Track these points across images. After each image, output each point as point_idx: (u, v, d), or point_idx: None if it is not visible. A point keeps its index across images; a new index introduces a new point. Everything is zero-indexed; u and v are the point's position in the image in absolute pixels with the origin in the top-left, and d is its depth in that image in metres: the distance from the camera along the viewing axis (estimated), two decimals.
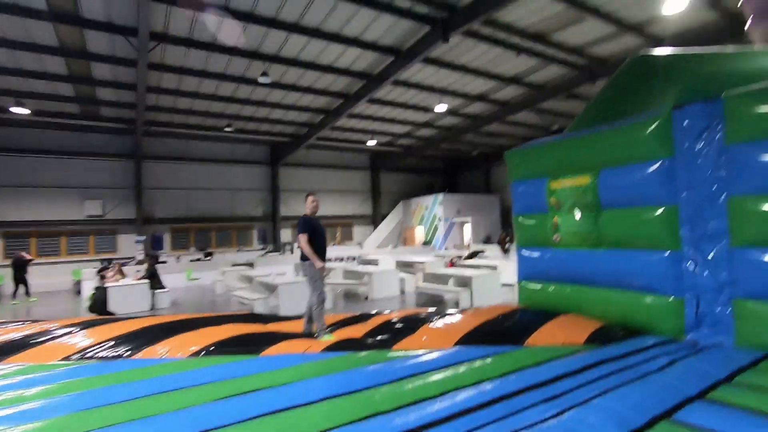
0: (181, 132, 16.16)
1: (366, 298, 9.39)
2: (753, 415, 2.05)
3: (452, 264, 11.67)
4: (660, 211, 3.59)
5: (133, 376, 3.20)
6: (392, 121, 15.86)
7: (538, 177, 4.66)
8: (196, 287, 12.99)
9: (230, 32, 8.96)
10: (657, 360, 2.89)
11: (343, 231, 21.59)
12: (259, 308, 7.85)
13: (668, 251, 3.56)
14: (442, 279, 9.01)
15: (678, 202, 3.50)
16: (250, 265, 14.00)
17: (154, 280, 9.66)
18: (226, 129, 15.62)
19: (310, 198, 4.82)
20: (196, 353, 3.58)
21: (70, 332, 4.18)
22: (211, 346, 3.68)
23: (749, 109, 3.08)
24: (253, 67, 10.70)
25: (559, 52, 10.41)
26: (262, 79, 10.47)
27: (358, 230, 21.89)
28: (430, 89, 12.72)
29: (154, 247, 16.54)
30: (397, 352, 3.52)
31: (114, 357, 3.64)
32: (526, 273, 4.94)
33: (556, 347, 3.33)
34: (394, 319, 4.50)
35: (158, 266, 11.03)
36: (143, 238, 15.40)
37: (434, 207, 20.52)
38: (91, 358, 3.66)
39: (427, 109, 14.44)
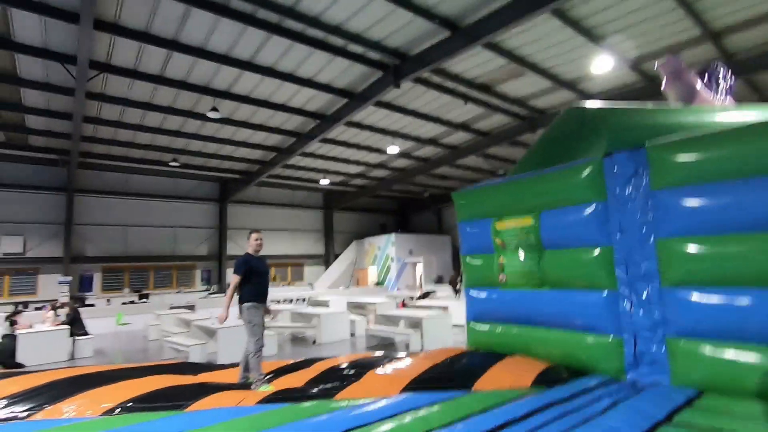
0: (120, 165, 15.31)
1: (314, 342, 8.97)
2: None
3: (404, 305, 11.52)
4: (596, 251, 3.73)
5: None
6: (346, 161, 16.01)
7: (484, 217, 4.76)
8: (127, 333, 11.85)
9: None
10: (600, 402, 2.88)
11: (294, 271, 20.94)
12: (196, 356, 7.22)
13: (606, 291, 3.67)
14: (393, 321, 8.82)
15: (612, 244, 3.66)
16: (191, 307, 13.07)
17: (75, 325, 8.70)
18: (172, 163, 15.01)
19: (254, 235, 4.60)
20: (110, 411, 3.14)
21: None
22: (128, 401, 3.25)
23: (670, 157, 3.34)
24: (202, 102, 10.49)
25: (503, 102, 11.13)
26: (211, 114, 10.27)
27: (309, 270, 21.33)
28: (383, 131, 13.05)
29: (81, 288, 15.09)
30: (341, 401, 3.28)
31: (6, 419, 3.10)
32: (474, 314, 4.91)
33: (503, 391, 3.25)
34: (340, 365, 4.25)
35: (82, 310, 9.98)
36: (69, 278, 14.02)
37: (387, 247, 20.54)
38: None
39: (380, 151, 14.74)
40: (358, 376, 3.80)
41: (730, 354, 2.96)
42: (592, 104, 4.45)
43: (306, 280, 20.85)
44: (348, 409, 3.01)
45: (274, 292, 17.37)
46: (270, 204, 20.04)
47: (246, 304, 4.26)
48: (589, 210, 3.77)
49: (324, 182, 18.65)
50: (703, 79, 5.11)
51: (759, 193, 2.87)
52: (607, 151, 3.76)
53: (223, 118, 11.25)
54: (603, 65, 9.07)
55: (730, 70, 5.28)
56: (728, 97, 5.08)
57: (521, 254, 4.30)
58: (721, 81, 5.18)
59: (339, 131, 12.75)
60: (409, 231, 23.30)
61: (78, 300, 12.10)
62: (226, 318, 4.38)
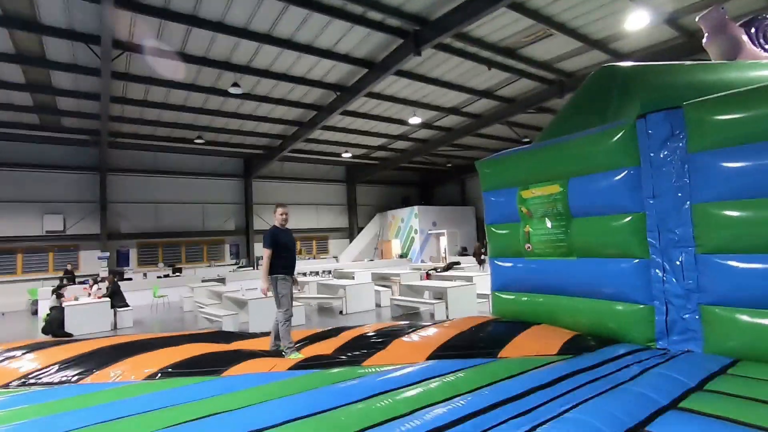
0: (148, 144, 15.68)
1: (341, 312, 9.19)
2: (723, 423, 2.02)
3: (428, 276, 11.60)
4: (628, 219, 3.61)
5: (80, 402, 2.93)
6: (367, 133, 15.87)
7: (509, 186, 4.66)
8: (163, 305, 12.45)
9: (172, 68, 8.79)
10: (629, 369, 2.85)
11: (319, 244, 21.30)
12: (228, 325, 7.54)
13: (637, 259, 3.57)
14: (418, 291, 8.92)
15: (645, 210, 3.53)
16: (221, 280, 13.57)
17: (116, 298, 9.19)
18: (197, 141, 15.26)
19: (279, 209, 4.69)
20: (152, 376, 3.33)
21: (11, 356, 3.84)
22: (168, 367, 3.44)
23: (710, 117, 3.15)
24: (223, 77, 10.51)
25: (528, 66, 10.67)
26: (233, 90, 10.29)
27: (333, 243, 21.65)
28: (404, 102, 12.80)
29: (119, 263, 15.84)
30: (368, 368, 3.37)
31: (60, 382, 3.35)
32: (499, 283, 4.89)
33: (530, 359, 3.26)
34: (367, 334, 4.36)
35: (122, 283, 10.52)
36: (107, 254, 14.73)
37: (410, 219, 20.54)
38: (34, 384, 3.35)
39: (402, 122, 14.52)
40: (384, 344, 3.88)
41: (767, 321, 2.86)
42: (625, 64, 4.21)
43: (331, 253, 21.22)
44: (375, 375, 3.10)
45: (301, 265, 17.83)
46: (293, 179, 20.23)
47: (275, 276, 4.37)
48: (620, 175, 3.63)
49: (346, 155, 18.62)
50: (749, 32, 4.74)
51: None
52: (641, 113, 3.57)
53: (244, 94, 11.27)
54: (637, 21, 8.52)
55: None
56: None
57: (548, 223, 4.22)
58: None
59: (359, 103, 12.59)
60: (433, 203, 23.18)
61: (117, 274, 12.73)
62: (268, 289, 4.47)
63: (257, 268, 16.95)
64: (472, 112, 14.16)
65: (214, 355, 3.75)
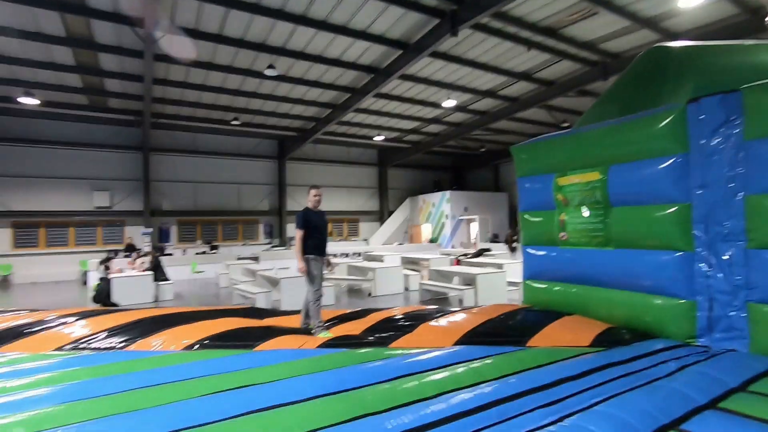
0: (188, 125, 16.19)
1: (369, 294, 9.30)
2: (765, 427, 1.92)
3: (458, 262, 11.53)
4: (672, 209, 3.43)
5: (124, 368, 3.14)
6: (400, 116, 15.71)
7: (545, 173, 4.52)
8: (201, 280, 13.01)
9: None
10: (665, 365, 2.75)
11: (350, 227, 21.52)
12: (261, 302, 7.80)
13: (680, 252, 3.40)
14: (447, 277, 8.88)
15: (692, 201, 3.34)
16: (255, 259, 14.00)
17: (158, 272, 9.67)
18: (233, 122, 15.61)
19: (313, 191, 4.68)
20: (190, 346, 3.51)
21: (65, 322, 4.14)
22: (205, 339, 3.61)
23: None
24: (259, 59, 10.63)
25: (570, 47, 10.17)
26: (268, 72, 10.41)
27: (364, 226, 21.81)
28: (438, 84, 12.55)
29: (161, 239, 16.63)
30: (395, 350, 3.41)
31: (107, 348, 3.59)
32: (531, 272, 4.80)
33: (559, 349, 3.20)
34: (395, 316, 4.40)
35: (163, 258, 11.05)
36: (150, 230, 15.47)
37: (441, 204, 20.35)
38: (84, 348, 3.61)
39: (435, 105, 14.27)
40: (412, 327, 3.91)
41: None
42: (677, 44, 3.94)
43: (361, 236, 21.42)
44: (402, 357, 3.13)
45: (331, 246, 18.12)
46: (326, 161, 20.41)
47: (306, 256, 4.47)
48: (666, 163, 3.44)
49: (378, 138, 18.56)
50: None
51: None
52: (693, 97, 3.35)
53: (280, 76, 11.37)
54: None
55: None
56: None
57: (585, 211, 4.07)
58: None
59: (393, 85, 12.44)
60: (465, 188, 22.83)
61: (159, 249, 13.38)
62: (305, 268, 4.45)
63: (289, 248, 17.38)
64: (509, 95, 13.71)
65: (247, 330, 3.90)
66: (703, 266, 3.28)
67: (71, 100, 13.28)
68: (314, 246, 4.50)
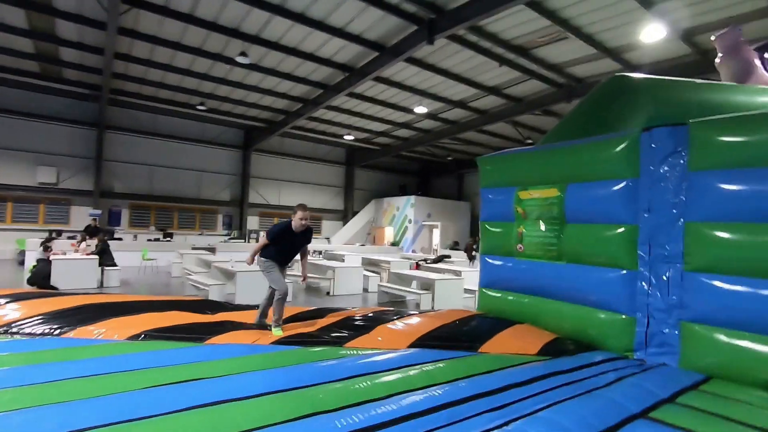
0: (150, 105, 15.46)
1: (328, 293, 9.24)
2: None
3: (418, 266, 11.67)
4: (621, 230, 3.64)
5: (60, 355, 2.95)
6: (371, 117, 15.76)
7: (507, 185, 4.67)
8: (151, 268, 12.44)
9: None
10: (604, 376, 2.91)
11: (312, 224, 21.28)
12: (215, 295, 7.56)
13: (625, 270, 3.62)
14: (406, 280, 8.98)
15: (638, 223, 3.56)
16: (212, 250, 13.56)
17: (104, 256, 9.16)
18: (199, 107, 15.07)
19: (301, 214, 4.09)
20: (134, 336, 3.35)
21: None
22: (152, 330, 3.46)
23: (713, 137, 3.16)
24: (231, 45, 10.34)
25: (540, 67, 10.60)
26: (240, 59, 10.14)
27: (327, 224, 21.65)
28: (411, 90, 12.70)
29: (110, 222, 15.75)
30: (350, 350, 3.41)
31: (42, 334, 3.35)
32: (487, 280, 4.94)
33: (509, 356, 3.32)
34: (352, 317, 4.39)
35: (111, 243, 10.47)
36: (99, 212, 14.62)
37: (406, 208, 20.55)
38: (16, 333, 3.36)
39: (407, 110, 14.43)
40: (368, 329, 3.92)
41: (745, 343, 2.92)
42: (636, 75, 4.20)
43: (323, 234, 21.24)
44: (356, 357, 3.14)
45: None
46: (293, 156, 20.11)
47: (262, 259, 4.15)
48: (619, 186, 3.65)
49: (348, 138, 18.51)
50: (762, 57, 4.73)
51: None
52: (647, 126, 3.58)
53: (252, 64, 11.11)
54: (653, 34, 8.46)
55: None
56: None
57: (542, 225, 4.24)
58: None
59: (367, 86, 12.47)
60: (429, 194, 23.19)
61: (107, 233, 12.66)
62: (250, 261, 4.25)
63: (249, 241, 16.94)
64: (479, 107, 14.09)
65: (200, 324, 3.77)
66: (644, 285, 3.50)
67: (20, 65, 12.35)
68: (277, 256, 4.15)
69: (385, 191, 23.22)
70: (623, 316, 3.60)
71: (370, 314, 4.48)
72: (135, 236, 15.48)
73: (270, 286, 4.20)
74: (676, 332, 3.31)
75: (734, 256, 3.02)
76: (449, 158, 22.07)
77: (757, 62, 4.65)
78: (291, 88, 13.18)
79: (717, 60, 4.87)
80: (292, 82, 12.60)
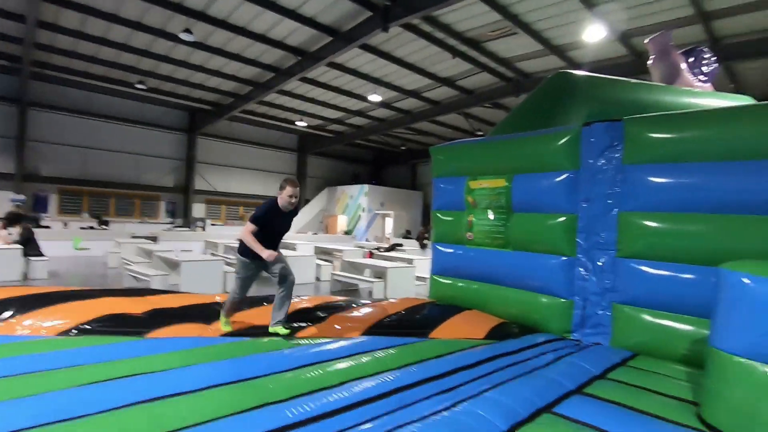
0: (81, 81, 14.18)
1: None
2: (619, 408, 2.27)
3: (371, 255, 11.73)
4: (562, 219, 3.86)
5: None
6: (324, 104, 15.48)
7: (458, 175, 4.79)
8: (85, 258, 11.56)
9: None
10: (545, 356, 3.10)
11: None
12: (157, 286, 7.16)
13: (565, 257, 3.85)
14: (359, 269, 9.00)
15: (577, 212, 3.79)
16: (154, 239, 12.81)
17: (29, 245, 8.38)
18: (138, 86, 14.05)
19: (290, 189, 3.53)
20: (65, 332, 3.11)
21: None
22: (85, 323, 3.22)
23: (644, 133, 3.41)
24: (174, 21, 9.69)
25: (490, 61, 10.88)
26: (184, 36, 9.55)
27: None
28: (366, 77, 12.59)
29: (36, 208, 14.40)
30: (301, 339, 3.38)
31: None
32: (438, 268, 5.06)
33: (458, 341, 3.43)
34: (305, 306, 4.34)
35: (37, 231, 9.59)
36: (22, 197, 13.31)
37: (359, 197, 20.52)
38: None
39: (361, 98, 14.31)
40: (320, 318, 3.90)
41: (667, 323, 3.22)
42: (578, 73, 4.42)
43: None
44: (308, 347, 3.11)
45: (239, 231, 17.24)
46: (242, 141, 19.36)
47: (241, 258, 3.58)
48: (561, 177, 3.85)
49: (300, 124, 18.09)
50: (688, 61, 5.14)
51: (724, 176, 3.01)
52: (587, 121, 3.79)
53: (196, 42, 10.49)
54: (594, 34, 8.94)
55: (713, 56, 5.32)
56: (708, 82, 5.15)
57: (491, 214, 4.40)
58: (704, 65, 5.23)
59: (320, 71, 12.20)
60: (383, 183, 23.28)
61: (32, 220, 11.58)
62: (273, 255, 3.44)
63: (195, 230, 16.19)
64: (432, 98, 14.25)
65: (138, 315, 3.56)
66: (582, 270, 3.75)
67: None
68: (263, 244, 3.46)
69: (338, 179, 23.01)
70: (562, 300, 3.83)
71: (323, 304, 4.46)
72: (65, 224, 14.28)
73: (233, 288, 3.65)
74: (609, 314, 3.58)
75: (660, 243, 3.30)
76: (403, 147, 22.23)
77: (683, 66, 5.06)
78: (239, 69, 12.61)
79: (649, 62, 5.24)
80: (240, 64, 12.06)
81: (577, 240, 3.78)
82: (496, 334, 3.70)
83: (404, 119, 16.41)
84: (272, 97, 14.60)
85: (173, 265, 7.87)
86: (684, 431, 2.07)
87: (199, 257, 8.86)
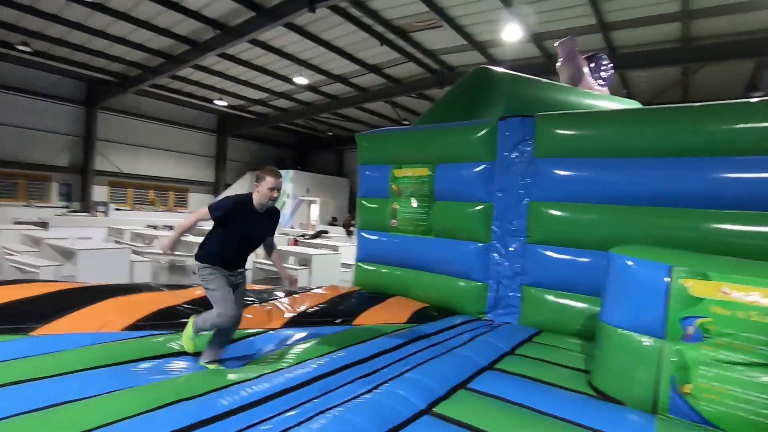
0: None
1: (195, 272, 8.52)
2: (525, 380, 2.49)
3: (296, 242, 11.49)
4: (479, 207, 4.09)
5: None
6: (247, 84, 14.65)
7: (384, 163, 4.84)
8: None
9: None
10: (462, 336, 3.29)
11: (177, 197, 19.24)
12: (48, 278, 6.34)
13: (481, 243, 4.09)
14: (284, 256, 8.76)
15: (493, 201, 4.04)
16: (44, 224, 11.30)
17: None
18: (21, 47, 12.10)
19: (272, 180, 2.64)
20: None
21: None
22: None
23: (552, 130, 3.72)
24: None
25: (417, 51, 11.06)
26: None
27: (195, 197, 19.78)
28: (291, 58, 12.12)
29: None
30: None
31: None
32: (363, 254, 5.11)
33: (380, 326, 3.51)
34: None
35: None
36: None
37: (284, 182, 19.86)
38: None
39: (286, 79, 13.78)
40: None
41: (566, 302, 3.59)
42: (497, 69, 4.67)
43: (191, 208, 19.38)
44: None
45: (153, 217, 15.86)
46: (153, 118, 17.65)
47: (204, 266, 2.63)
48: (479, 168, 4.07)
49: (220, 103, 16.96)
50: (590, 66, 5.68)
51: (615, 171, 3.39)
52: (503, 116, 4.03)
53: (95, 3, 9.29)
54: (512, 34, 9.48)
55: (610, 63, 5.94)
56: (606, 86, 5.75)
57: (414, 202, 4.52)
58: (603, 71, 5.82)
59: (242, 48, 11.48)
60: (309, 169, 22.78)
61: None
62: (170, 247, 2.79)
63: (96, 215, 14.56)
64: (359, 84, 14.16)
65: (22, 304, 3.12)
66: (496, 256, 4.02)
67: None
68: (223, 251, 2.66)
69: (261, 163, 21.99)
70: (478, 284, 4.09)
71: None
72: None
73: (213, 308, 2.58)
74: (518, 295, 3.89)
75: (561, 230, 3.65)
76: (329, 133, 21.90)
77: (586, 70, 5.58)
78: (149, 39, 11.42)
79: (558, 64, 5.70)
80: (150, 32, 10.91)
81: (493, 227, 4.04)
82: (417, 317, 3.85)
83: (331, 104, 16.14)
84: (188, 72, 13.48)
85: (68, 255, 7.03)
86: (578, 397, 2.34)
87: (101, 245, 8.00)
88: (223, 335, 2.66)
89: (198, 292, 3.93)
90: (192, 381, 2.28)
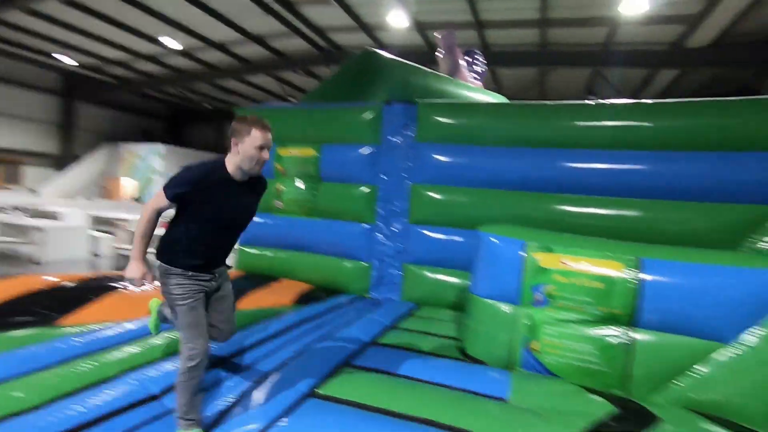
0: None
1: (36, 262, 7.18)
2: (404, 352, 2.66)
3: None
4: (365, 189, 4.17)
5: None
6: (101, 39, 12.48)
7: None
8: None
9: None
10: (346, 316, 3.36)
11: (7, 170, 15.81)
12: None
13: (366, 224, 4.19)
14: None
15: (378, 183, 4.15)
16: None
17: None
18: None
19: (260, 135, 1.99)
20: None
21: None
22: None
23: (432, 116, 3.94)
24: None
25: (304, 26, 10.67)
26: None
27: (32, 171, 16.48)
28: (159, 16, 10.66)
29: None
30: (67, 328, 2.76)
31: None
32: (246, 237, 4.83)
33: (264, 309, 3.39)
34: (64, 285, 3.48)
35: None
36: None
37: (151, 158, 17.66)
38: None
39: (153, 39, 12.13)
40: (91, 298, 3.23)
41: (441, 277, 3.90)
42: (383, 54, 4.75)
43: (26, 184, 16.08)
44: (76, 335, 2.57)
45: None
46: None
47: (171, 270, 1.94)
48: (365, 150, 4.13)
49: (66, 60, 14.20)
50: (466, 60, 6.13)
51: (486, 158, 3.75)
52: (387, 100, 4.14)
53: None
54: (397, 20, 9.73)
55: (484, 59, 6.50)
56: (480, 80, 6.28)
57: (300, 183, 4.41)
58: (477, 65, 6.35)
59: None
60: (183, 144, 20.59)
61: None
62: (143, 276, 1.97)
63: None
64: (241, 54, 13.15)
65: None
66: (380, 236, 4.16)
67: None
68: (193, 252, 1.96)
69: (122, 135, 19.18)
70: (363, 263, 4.19)
71: (94, 279, 3.72)
72: None
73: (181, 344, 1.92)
74: (400, 273, 4.10)
75: (439, 211, 3.93)
76: (207, 106, 20.05)
77: (463, 63, 6.01)
78: None
79: (438, 55, 6.03)
80: None
81: (377, 209, 4.16)
82: (303, 299, 3.81)
83: (209, 74, 14.72)
84: (18, 17, 10.96)
85: None
86: (450, 362, 2.58)
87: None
88: (196, 377, 1.87)
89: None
90: (32, 388, 1.92)
